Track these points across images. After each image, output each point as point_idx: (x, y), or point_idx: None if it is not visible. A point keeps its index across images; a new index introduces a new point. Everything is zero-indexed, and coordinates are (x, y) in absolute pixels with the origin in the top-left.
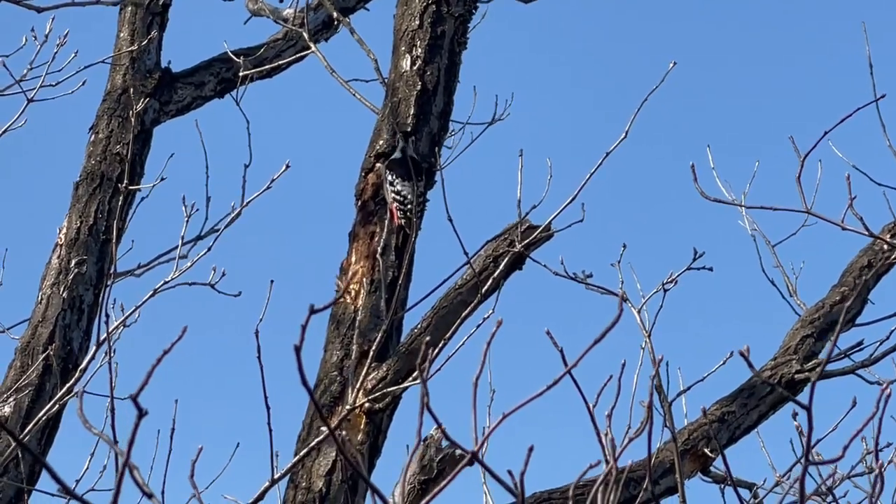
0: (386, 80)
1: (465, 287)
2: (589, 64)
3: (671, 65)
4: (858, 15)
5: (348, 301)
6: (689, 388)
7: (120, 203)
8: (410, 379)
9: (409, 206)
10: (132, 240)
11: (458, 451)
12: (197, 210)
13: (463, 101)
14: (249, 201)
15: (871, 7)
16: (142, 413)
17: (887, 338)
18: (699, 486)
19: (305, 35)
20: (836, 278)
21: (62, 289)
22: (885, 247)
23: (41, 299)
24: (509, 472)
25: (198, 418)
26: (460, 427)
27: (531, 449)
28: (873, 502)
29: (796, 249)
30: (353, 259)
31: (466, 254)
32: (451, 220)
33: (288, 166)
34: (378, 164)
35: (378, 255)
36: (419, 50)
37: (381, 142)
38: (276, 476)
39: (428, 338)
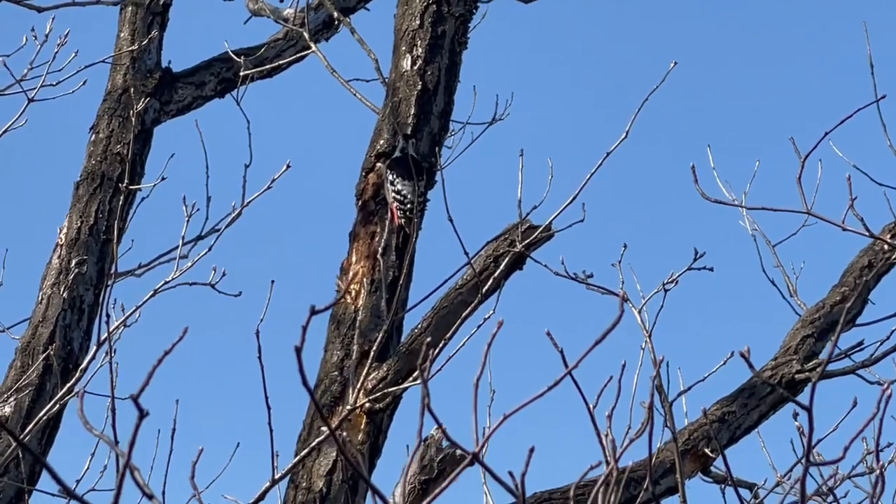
0: (386, 80)
1: (465, 287)
2: (589, 64)
3: (672, 65)
4: (859, 15)
5: (349, 301)
6: (689, 389)
7: (120, 203)
8: (411, 379)
9: (409, 206)
10: (132, 239)
11: (459, 452)
12: (197, 210)
13: (463, 101)
14: (250, 201)
15: (872, 7)
16: (143, 414)
17: (888, 338)
18: (700, 486)
19: (306, 35)
20: (836, 278)
21: (63, 289)
22: (886, 247)
23: (41, 299)
24: (510, 473)
25: (198, 418)
26: (461, 427)
27: (532, 450)
28: (874, 502)
29: (796, 249)
30: (354, 259)
31: (467, 254)
32: (451, 220)
33: (288, 166)
34: (378, 164)
35: (379, 255)
36: (420, 50)
37: (381, 141)
38: (276, 476)
39: (429, 338)
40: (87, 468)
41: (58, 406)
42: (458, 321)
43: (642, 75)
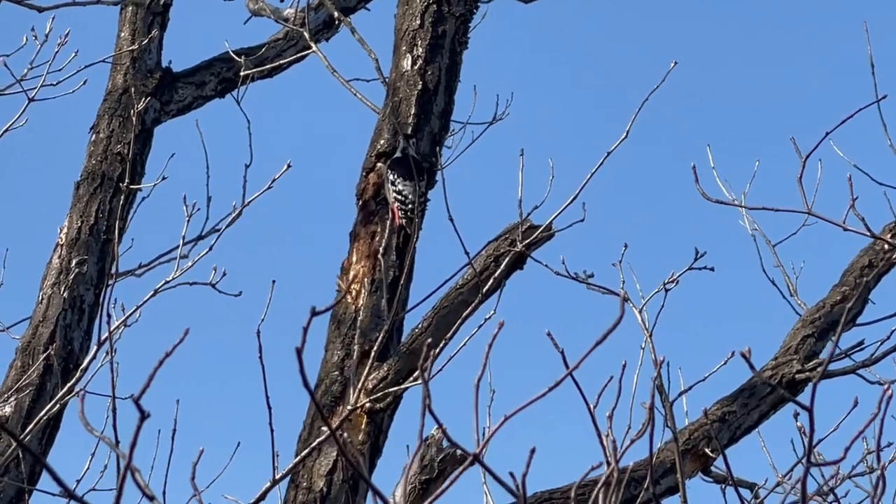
0: (387, 80)
1: (466, 287)
2: (589, 64)
3: (672, 65)
4: (859, 15)
5: (349, 301)
6: (690, 388)
7: (121, 203)
8: (411, 379)
9: (410, 206)
10: (132, 238)
11: (460, 452)
12: (198, 210)
13: (464, 101)
14: (250, 201)
15: (872, 7)
16: (144, 416)
17: (888, 338)
18: (700, 486)
19: (306, 35)
20: (836, 278)
21: (63, 289)
22: (886, 246)
23: (42, 299)
24: (511, 474)
25: (198, 418)
26: (461, 427)
27: (533, 451)
28: (875, 502)
29: (797, 249)
30: (354, 259)
31: (467, 253)
32: (452, 220)
33: (289, 166)
34: (379, 164)
35: (379, 255)
36: (420, 49)
37: (382, 141)
38: (277, 476)
39: (429, 339)
40: (88, 468)
41: (58, 406)
42: (459, 321)
43: (642, 75)
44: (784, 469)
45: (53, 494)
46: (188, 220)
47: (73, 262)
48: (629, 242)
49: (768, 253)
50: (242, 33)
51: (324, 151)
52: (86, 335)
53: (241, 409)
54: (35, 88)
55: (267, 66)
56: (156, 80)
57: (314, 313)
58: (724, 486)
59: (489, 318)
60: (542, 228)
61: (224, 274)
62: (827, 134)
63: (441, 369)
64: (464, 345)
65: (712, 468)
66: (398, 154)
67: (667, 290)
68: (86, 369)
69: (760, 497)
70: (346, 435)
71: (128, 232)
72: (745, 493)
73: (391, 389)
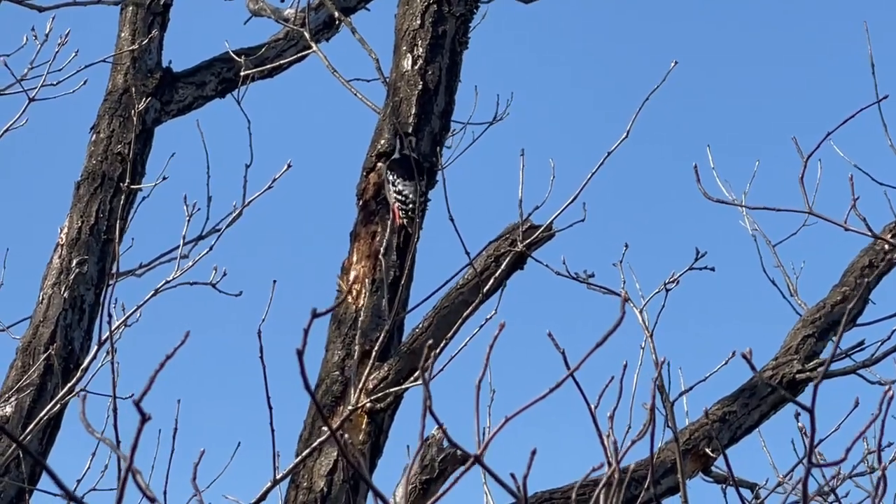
0: (387, 80)
1: (466, 287)
2: (589, 64)
3: (672, 64)
4: (860, 15)
5: (350, 301)
6: (691, 389)
7: (121, 203)
8: (412, 379)
9: (410, 206)
10: (132, 238)
11: (460, 452)
12: (198, 210)
13: (464, 101)
14: (251, 201)
15: (873, 7)
16: (144, 418)
17: (888, 338)
18: (700, 485)
19: (307, 35)
20: (836, 278)
21: (63, 288)
22: (887, 246)
23: (42, 299)
24: (512, 475)
25: (199, 418)
26: (462, 426)
27: (534, 452)
28: (876, 503)
29: (797, 249)
30: (355, 259)
31: (468, 253)
32: (452, 220)
33: (289, 166)
34: (380, 164)
35: (380, 255)
36: (420, 49)
37: (382, 141)
38: (278, 476)
39: (430, 340)
40: (88, 468)
41: (59, 406)
42: (460, 321)
43: (642, 75)
44: (784, 469)
45: (54, 494)
46: (188, 220)
47: (74, 262)
48: (630, 242)
49: (769, 253)
50: (243, 33)
51: (324, 151)
52: (86, 335)
53: (241, 409)
54: (35, 88)
55: (267, 66)
56: (156, 80)
57: (315, 315)
58: (724, 486)
59: (490, 318)
60: (542, 228)
61: (224, 274)
62: (829, 134)
63: (442, 369)
64: (464, 345)
65: (713, 468)
66: (397, 154)
67: (667, 290)
68: (86, 369)
69: (761, 497)
70: (346, 436)
71: (128, 232)
72: (746, 493)
73: (392, 389)
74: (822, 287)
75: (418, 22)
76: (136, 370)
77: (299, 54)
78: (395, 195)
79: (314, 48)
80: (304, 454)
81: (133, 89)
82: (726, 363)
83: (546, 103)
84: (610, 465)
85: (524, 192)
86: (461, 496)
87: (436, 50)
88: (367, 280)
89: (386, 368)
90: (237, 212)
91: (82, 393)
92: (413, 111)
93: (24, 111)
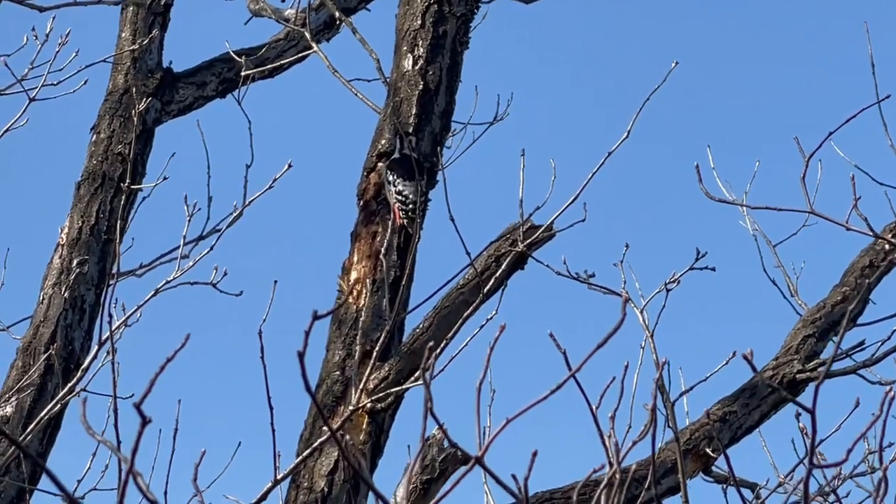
0: (388, 80)
1: (467, 287)
2: (589, 64)
3: (673, 64)
4: (860, 15)
5: (350, 301)
6: (691, 389)
7: (122, 203)
8: (412, 379)
9: (411, 206)
10: (133, 238)
11: (461, 453)
12: (199, 210)
13: (464, 102)
14: (251, 201)
15: (873, 7)
16: (145, 421)
17: (889, 338)
18: (701, 486)
19: (307, 35)
20: (837, 278)
21: (64, 289)
22: (887, 246)
23: (43, 299)
24: (513, 477)
25: (199, 418)
26: (462, 426)
27: (535, 454)
28: (877, 503)
29: (797, 249)
30: (356, 259)
31: (469, 254)
32: (453, 220)
33: (290, 166)
34: (380, 164)
35: (380, 255)
36: (421, 49)
37: (383, 141)
38: (278, 476)
39: (431, 341)
40: (89, 468)
41: (59, 406)
42: (460, 321)
43: (643, 75)
44: (784, 468)
45: (54, 494)
46: (189, 220)
47: (74, 262)
48: (630, 242)
49: (769, 253)
50: (243, 33)
51: (324, 151)
52: (87, 335)
53: (242, 409)
54: (36, 88)
55: (268, 67)
56: (157, 81)
57: (315, 317)
58: (725, 486)
59: (490, 318)
60: (543, 228)
61: (225, 274)
62: (830, 133)
63: (443, 369)
64: (465, 345)
65: (713, 468)
66: (397, 154)
67: (668, 290)
68: (87, 369)
69: (762, 497)
70: (348, 439)
71: (128, 232)
72: (747, 493)
73: (392, 389)
74: (823, 287)
75: (419, 22)
76: (137, 370)
77: (300, 54)
78: (395, 195)
79: (315, 48)
80: (304, 454)
81: (133, 89)
82: (727, 363)
83: (546, 103)
84: (611, 465)
85: (525, 192)
86: (462, 496)
87: (436, 50)
88: (367, 280)
89: (386, 368)
90: (238, 212)
91: (83, 393)
92: (414, 111)
93: (24, 111)
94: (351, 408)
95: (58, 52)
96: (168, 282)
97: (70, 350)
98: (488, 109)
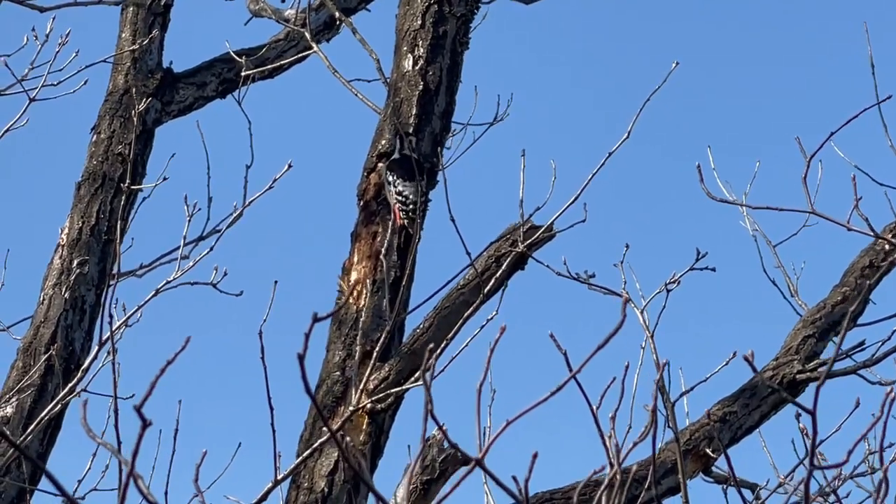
0: (388, 80)
1: (467, 287)
2: (589, 64)
3: (674, 65)
4: (860, 15)
5: (351, 302)
6: (692, 389)
7: (122, 203)
8: (413, 379)
9: (411, 207)
10: (133, 238)
11: (461, 454)
12: (199, 210)
13: (465, 102)
14: (251, 201)
15: (872, 7)
16: (145, 424)
17: (889, 338)
18: (701, 486)
19: (307, 35)
20: (837, 278)
21: (64, 289)
22: (887, 247)
23: (43, 300)
24: (514, 478)
25: (199, 418)
26: (463, 426)
27: (535, 456)
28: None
29: (797, 250)
30: (356, 259)
31: (469, 254)
32: (453, 221)
33: (290, 166)
34: (380, 164)
35: (381, 256)
36: (421, 50)
37: (383, 141)
38: (279, 477)
39: (431, 343)
40: (89, 468)
41: (59, 406)
42: (461, 321)
43: (643, 76)
44: (784, 469)
45: (55, 495)
46: (189, 221)
47: (75, 262)
48: (630, 243)
49: (769, 253)
50: (243, 34)
51: (325, 152)
52: (87, 335)
53: (242, 410)
54: (36, 88)
55: (268, 67)
56: (157, 81)
57: (316, 319)
58: (725, 486)
59: (491, 318)
60: (543, 229)
61: (225, 274)
62: (832, 134)
63: (443, 370)
64: (465, 346)
65: (713, 468)
66: (397, 155)
67: (668, 291)
68: (87, 370)
69: (762, 498)
70: (348, 440)
71: (129, 232)
72: (747, 493)
73: (392, 390)
74: (823, 287)
75: (419, 22)
76: (137, 370)
77: (300, 55)
78: (395, 196)
79: (315, 49)
80: (305, 455)
81: (134, 90)
82: (727, 364)
83: (546, 103)
84: (612, 466)
85: (525, 193)
86: (462, 497)
87: (436, 50)
88: (367, 281)
89: (387, 369)
90: (238, 212)
91: (83, 394)
92: (414, 111)
93: (24, 111)
94: (351, 408)
95: (58, 52)
96: (168, 282)
97: (70, 350)
98: (488, 110)
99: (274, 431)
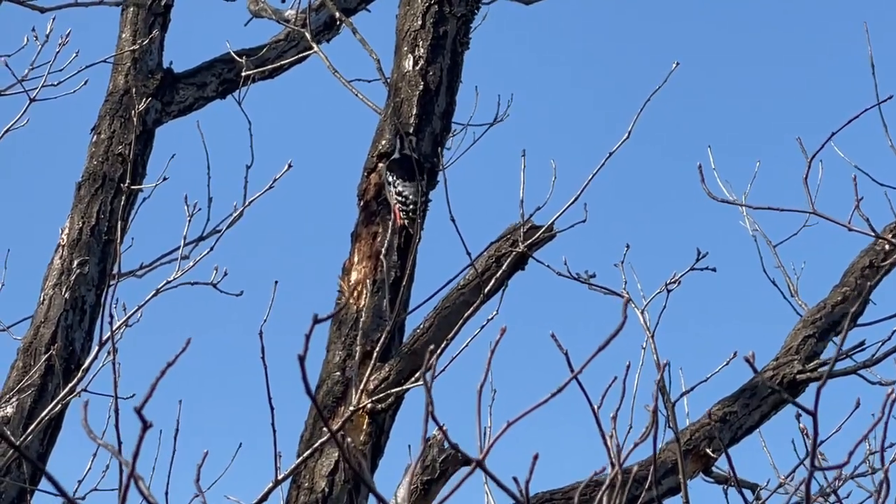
0: (388, 81)
1: (467, 287)
2: (589, 64)
3: (674, 65)
4: (860, 15)
5: (351, 302)
6: (692, 389)
7: (122, 203)
8: (413, 379)
9: (411, 207)
10: (133, 238)
11: (462, 455)
12: (199, 210)
13: (465, 102)
14: (251, 201)
15: (873, 7)
16: (146, 425)
17: (889, 338)
18: (701, 486)
19: (308, 35)
20: (837, 279)
21: (64, 289)
22: (888, 247)
23: (43, 300)
24: (514, 479)
25: (200, 418)
26: (463, 426)
27: (536, 457)
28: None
29: (797, 250)
30: (356, 259)
31: (469, 254)
32: (453, 221)
33: (290, 166)
34: (380, 164)
35: (381, 256)
36: (422, 50)
37: (383, 142)
38: (279, 477)
39: (432, 343)
40: (90, 468)
41: (60, 406)
42: (461, 322)
43: (643, 76)
44: (784, 469)
45: (55, 495)
46: (189, 221)
47: (75, 262)
48: (631, 243)
49: (769, 254)
50: (243, 34)
51: (325, 152)
52: (87, 335)
53: (243, 410)
54: (36, 89)
55: (268, 67)
56: (157, 81)
57: (316, 320)
58: (725, 486)
59: (491, 318)
60: (543, 229)
61: (225, 274)
62: (833, 134)
63: (443, 370)
64: (465, 346)
65: (714, 468)
66: (397, 155)
67: (668, 291)
68: (87, 370)
69: (762, 498)
70: (349, 441)
71: (129, 232)
72: (747, 493)
73: (393, 390)
74: (823, 287)
75: (419, 22)
76: (138, 370)
77: (300, 55)
78: (395, 196)
79: (315, 49)
80: (305, 455)
81: (134, 90)
82: (727, 364)
83: (546, 104)
84: (613, 466)
85: (525, 193)
86: (462, 497)
87: (437, 50)
88: (368, 281)
89: (387, 369)
90: (238, 212)
91: (83, 394)
92: (414, 112)
93: (24, 111)
94: (351, 408)
95: (58, 52)
96: (168, 282)
97: (71, 350)
98: (488, 110)
99: (274, 431)
